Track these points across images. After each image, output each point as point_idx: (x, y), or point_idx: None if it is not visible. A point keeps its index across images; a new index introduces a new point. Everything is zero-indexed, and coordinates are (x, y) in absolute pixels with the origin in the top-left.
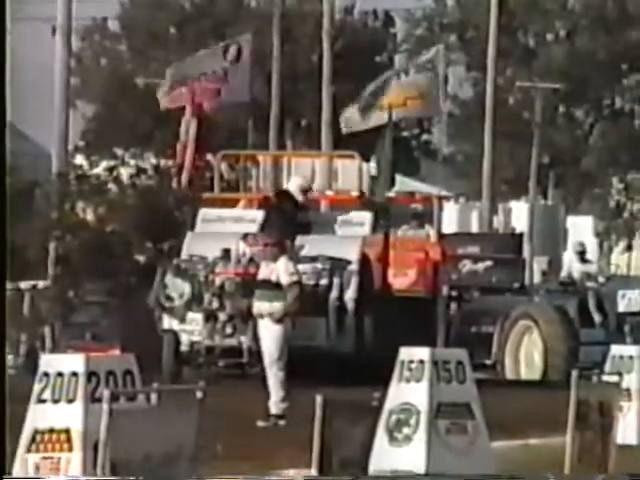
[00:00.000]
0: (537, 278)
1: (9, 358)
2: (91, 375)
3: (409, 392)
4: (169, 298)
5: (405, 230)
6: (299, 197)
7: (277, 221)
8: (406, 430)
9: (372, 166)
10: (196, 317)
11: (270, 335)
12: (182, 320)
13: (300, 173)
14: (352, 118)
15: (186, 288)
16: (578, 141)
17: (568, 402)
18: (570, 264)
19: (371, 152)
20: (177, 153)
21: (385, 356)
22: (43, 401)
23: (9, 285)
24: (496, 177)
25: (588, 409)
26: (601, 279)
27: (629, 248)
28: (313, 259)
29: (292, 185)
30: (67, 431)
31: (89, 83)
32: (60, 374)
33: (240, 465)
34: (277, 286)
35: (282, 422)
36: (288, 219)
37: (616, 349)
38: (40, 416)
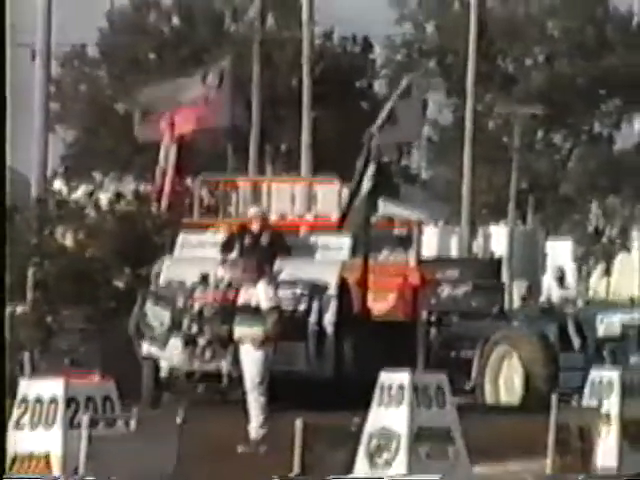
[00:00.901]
0: (516, 303)
1: None
2: (70, 401)
3: (389, 417)
4: (149, 326)
5: (385, 255)
6: (256, 226)
7: (255, 246)
8: (386, 455)
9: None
10: (175, 342)
11: (251, 360)
12: (163, 347)
13: (280, 198)
14: None
15: (166, 316)
16: (557, 166)
17: (548, 427)
18: (549, 289)
19: (351, 177)
20: (156, 178)
21: (365, 381)
22: (22, 426)
23: None
24: (475, 201)
25: (568, 433)
26: (580, 304)
27: (607, 273)
28: (292, 284)
29: (250, 214)
30: (47, 456)
31: (68, 108)
32: (39, 400)
33: None
34: (257, 311)
35: (262, 447)
36: (266, 244)
37: (595, 374)
38: (19, 441)
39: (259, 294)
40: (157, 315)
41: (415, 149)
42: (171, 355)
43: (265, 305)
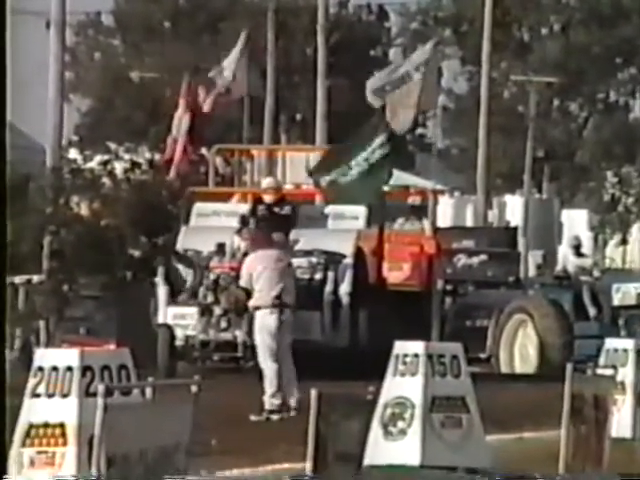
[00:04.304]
0: (532, 272)
1: None
2: (86, 369)
3: (404, 386)
4: (182, 279)
5: (401, 224)
6: (271, 197)
7: (270, 215)
8: (401, 424)
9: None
10: (191, 311)
11: (256, 329)
12: (194, 300)
13: (294, 167)
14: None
15: (190, 274)
16: (572, 135)
17: (563, 395)
18: (565, 258)
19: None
20: (167, 147)
21: (380, 350)
22: (37, 395)
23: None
24: (491, 171)
25: (583, 402)
26: (596, 273)
27: (624, 242)
28: (308, 253)
29: (264, 185)
30: (62, 425)
31: (83, 77)
32: (55, 368)
33: (234, 459)
34: None
35: (275, 417)
36: (279, 213)
37: (610, 342)
38: (34, 410)
39: None
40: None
41: (430, 118)
42: (186, 323)
43: None
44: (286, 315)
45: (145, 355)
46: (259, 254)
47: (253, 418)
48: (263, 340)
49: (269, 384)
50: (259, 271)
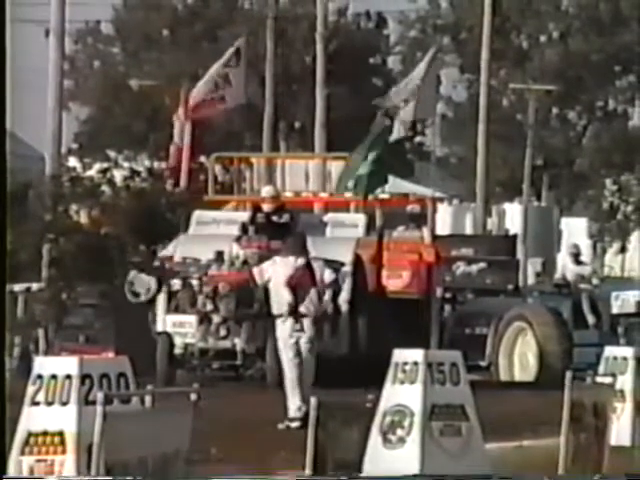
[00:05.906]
0: (531, 280)
1: None
2: (85, 378)
3: (403, 394)
4: (136, 294)
5: (400, 232)
6: (270, 205)
7: (268, 224)
8: (400, 432)
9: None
10: (190, 319)
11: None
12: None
13: (294, 175)
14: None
15: (152, 282)
16: (572, 143)
17: (562, 403)
18: (564, 266)
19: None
20: (171, 156)
21: (379, 358)
22: (37, 403)
23: None
24: (490, 179)
25: (582, 410)
26: (595, 281)
27: (623, 250)
28: None
29: (263, 194)
30: (61, 434)
31: (82, 86)
32: (54, 377)
33: (235, 467)
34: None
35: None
36: (278, 222)
37: (610, 350)
38: (34, 418)
39: None
40: (142, 282)
41: (429, 126)
42: (185, 332)
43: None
44: (302, 325)
45: (144, 363)
46: (277, 260)
47: (280, 426)
48: (279, 347)
49: (289, 390)
50: (269, 275)
